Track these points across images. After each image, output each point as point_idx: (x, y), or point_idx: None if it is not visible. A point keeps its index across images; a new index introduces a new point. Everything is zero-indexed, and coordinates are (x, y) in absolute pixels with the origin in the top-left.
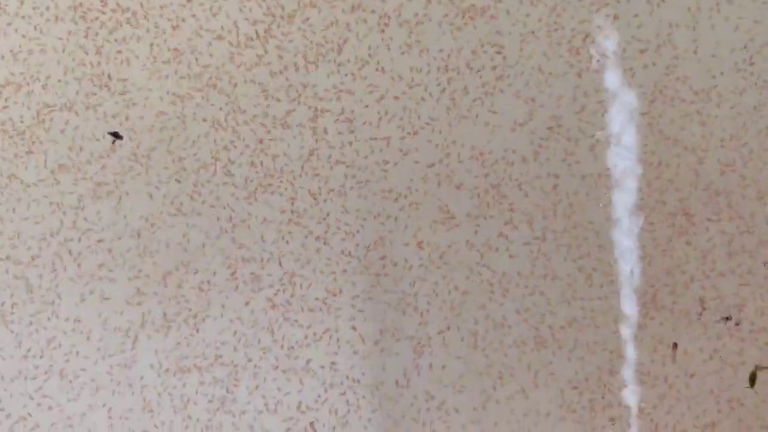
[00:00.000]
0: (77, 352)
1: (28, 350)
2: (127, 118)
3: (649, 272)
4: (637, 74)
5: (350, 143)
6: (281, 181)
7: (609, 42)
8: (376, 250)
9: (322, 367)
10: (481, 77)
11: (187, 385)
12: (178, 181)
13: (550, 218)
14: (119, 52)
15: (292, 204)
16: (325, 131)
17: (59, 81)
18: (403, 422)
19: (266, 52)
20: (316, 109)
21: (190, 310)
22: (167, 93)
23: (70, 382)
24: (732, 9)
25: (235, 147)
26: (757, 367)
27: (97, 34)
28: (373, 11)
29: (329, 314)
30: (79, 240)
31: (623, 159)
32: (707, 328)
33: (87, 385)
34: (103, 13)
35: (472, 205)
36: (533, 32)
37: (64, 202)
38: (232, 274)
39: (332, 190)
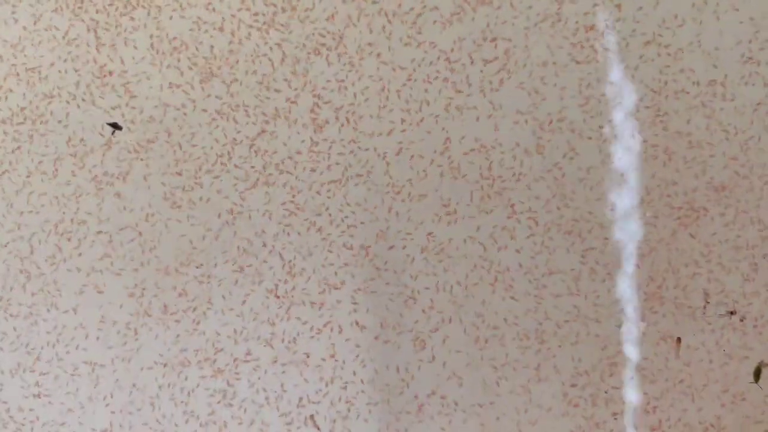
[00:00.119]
0: (77, 345)
1: (28, 342)
2: (127, 107)
3: (652, 266)
4: (641, 66)
5: (351, 135)
6: (282, 173)
7: (613, 34)
8: (377, 243)
9: (323, 360)
10: (483, 69)
11: (188, 378)
12: (179, 173)
13: (553, 211)
14: (118, 43)
15: (293, 196)
16: (326, 122)
17: (59, 72)
18: (404, 416)
19: (267, 42)
20: (317, 99)
21: (190, 302)
22: (167, 84)
23: (71, 375)
24: (737, 0)
25: (235, 138)
26: (762, 363)
27: (97, 24)
28: (374, 2)
29: (330, 307)
30: (79, 232)
31: (627, 152)
32: (711, 323)
33: (87, 378)
34: (104, 3)
35: (474, 198)
36: (536, 24)
37: (64, 194)
38: (233, 266)
39: (333, 182)
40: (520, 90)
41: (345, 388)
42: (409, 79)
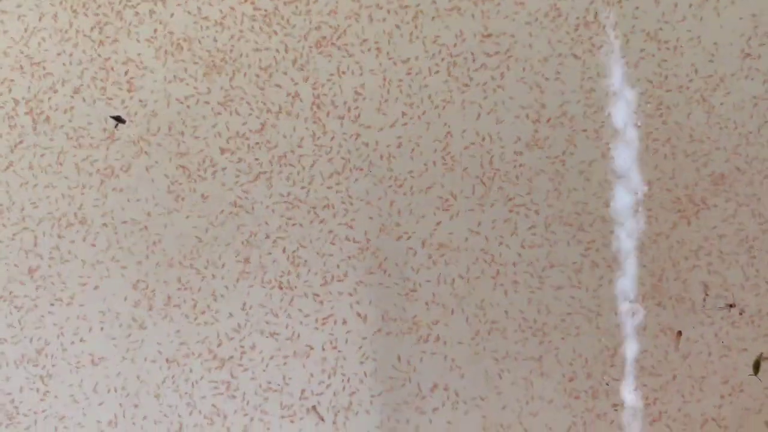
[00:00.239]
0: (81, 338)
1: (32, 335)
2: (131, 100)
3: (652, 259)
4: (642, 61)
5: (353, 128)
6: (284, 166)
7: (613, 29)
8: (379, 235)
9: (326, 351)
10: (484, 64)
11: (191, 370)
12: (182, 166)
13: (554, 205)
14: (122, 36)
15: (296, 189)
16: (328, 116)
17: (63, 65)
18: (406, 408)
19: (269, 36)
20: (318, 93)
21: (194, 295)
22: (170, 77)
23: (75, 367)
24: None
25: (238, 131)
26: (761, 355)
27: (101, 17)
28: None
29: (332, 299)
30: (83, 225)
31: (627, 146)
32: (711, 316)
33: (91, 370)
34: None
35: (475, 191)
36: (537, 19)
37: (68, 187)
38: (236, 258)
39: (335, 175)
40: (521, 84)
41: (347, 380)
42: (410, 73)
